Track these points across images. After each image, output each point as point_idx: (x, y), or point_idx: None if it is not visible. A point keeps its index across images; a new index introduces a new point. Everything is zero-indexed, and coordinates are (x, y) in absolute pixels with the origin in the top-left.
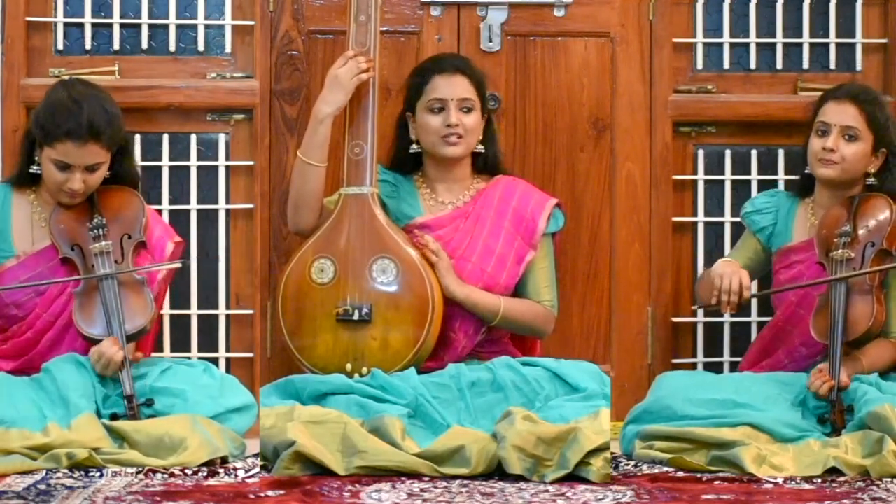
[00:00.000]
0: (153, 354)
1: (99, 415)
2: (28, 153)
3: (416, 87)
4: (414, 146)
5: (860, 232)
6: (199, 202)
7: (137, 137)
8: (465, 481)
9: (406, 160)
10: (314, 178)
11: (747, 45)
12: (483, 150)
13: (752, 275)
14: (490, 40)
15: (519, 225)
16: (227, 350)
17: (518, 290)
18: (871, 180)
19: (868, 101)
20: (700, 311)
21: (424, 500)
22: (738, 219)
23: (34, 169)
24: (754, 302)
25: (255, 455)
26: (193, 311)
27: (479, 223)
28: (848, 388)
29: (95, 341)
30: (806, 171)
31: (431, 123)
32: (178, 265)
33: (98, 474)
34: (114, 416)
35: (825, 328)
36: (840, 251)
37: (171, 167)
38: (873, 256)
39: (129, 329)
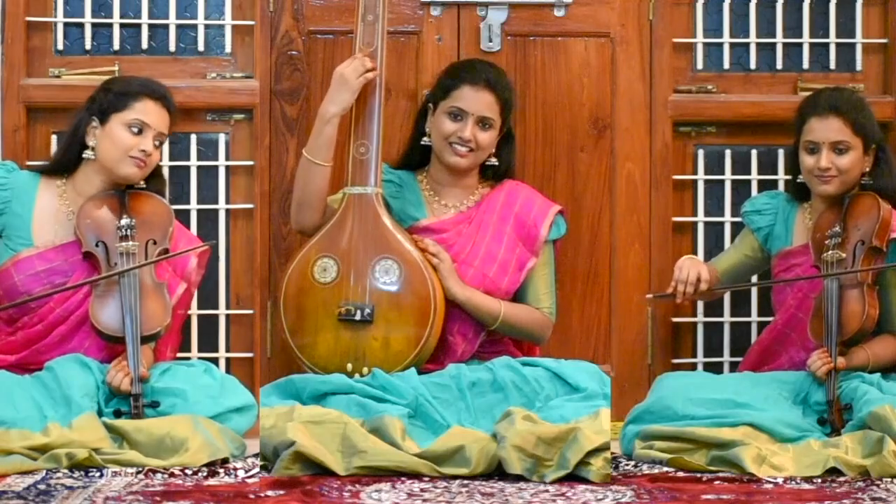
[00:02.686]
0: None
1: (101, 415)
2: (80, 138)
3: (444, 86)
4: (425, 139)
5: (850, 232)
6: (199, 202)
7: None
8: (465, 481)
9: (416, 151)
10: (319, 178)
11: (747, 45)
12: (497, 164)
13: (748, 272)
14: (490, 40)
15: (521, 231)
16: (227, 350)
17: (517, 296)
18: (866, 179)
19: (850, 108)
20: (700, 309)
21: (424, 500)
22: (738, 219)
23: (87, 154)
24: (754, 302)
25: (255, 455)
26: (193, 311)
27: (481, 228)
28: (845, 370)
29: (109, 338)
30: (799, 180)
31: (445, 128)
32: (207, 246)
33: (98, 474)
34: (117, 413)
35: (821, 329)
36: (831, 252)
37: (171, 167)
38: (863, 254)
39: (145, 331)
